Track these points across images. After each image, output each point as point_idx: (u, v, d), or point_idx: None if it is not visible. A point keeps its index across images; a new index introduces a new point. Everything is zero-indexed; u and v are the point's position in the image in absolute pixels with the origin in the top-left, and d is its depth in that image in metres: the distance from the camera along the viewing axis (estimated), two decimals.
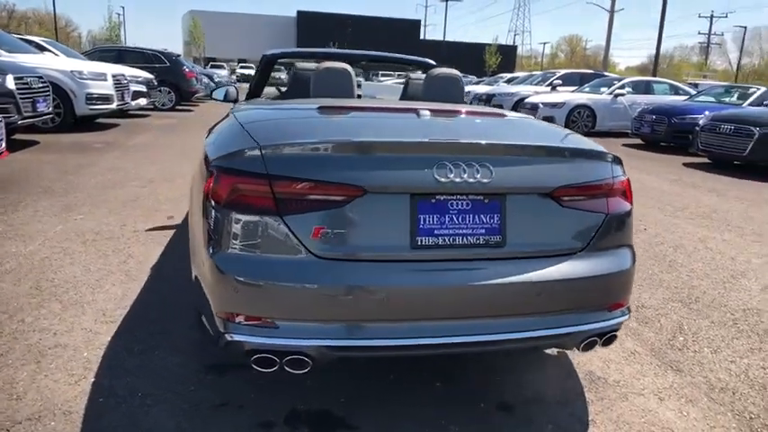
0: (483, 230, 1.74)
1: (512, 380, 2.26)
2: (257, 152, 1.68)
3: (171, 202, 4.74)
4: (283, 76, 11.23)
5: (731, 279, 3.56)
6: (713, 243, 4.38)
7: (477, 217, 1.74)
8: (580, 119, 12.44)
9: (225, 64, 40.46)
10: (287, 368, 1.69)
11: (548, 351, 2.46)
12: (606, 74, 17.39)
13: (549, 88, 14.72)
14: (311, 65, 3.29)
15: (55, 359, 2.23)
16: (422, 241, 1.70)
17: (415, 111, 2.15)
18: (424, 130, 1.96)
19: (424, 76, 3.42)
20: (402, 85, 3.85)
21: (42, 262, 3.25)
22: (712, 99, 11.24)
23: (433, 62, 4.02)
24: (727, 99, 10.94)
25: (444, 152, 1.71)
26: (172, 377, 2.14)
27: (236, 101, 3.98)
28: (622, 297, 1.94)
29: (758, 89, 10.48)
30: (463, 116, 2.31)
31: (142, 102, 11.12)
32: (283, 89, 4.27)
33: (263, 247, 1.67)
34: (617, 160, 1.98)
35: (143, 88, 11.16)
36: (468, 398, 2.11)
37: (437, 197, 1.71)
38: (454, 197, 1.72)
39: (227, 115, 2.46)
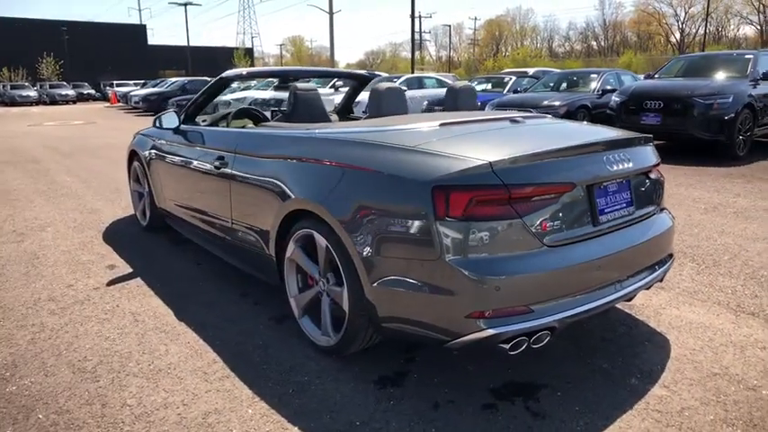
0: (624, 204, 2.30)
1: (591, 325, 2.84)
2: (488, 168, 1.93)
3: (83, 251, 4.08)
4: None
5: None
6: None
7: (620, 195, 2.28)
8: None
9: None
10: (533, 345, 2.00)
11: None
12: (378, 73, 19.11)
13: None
14: (311, 85, 3.31)
15: (227, 423, 2.05)
16: (600, 219, 2.17)
17: (510, 119, 2.57)
18: (555, 133, 2.41)
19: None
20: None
21: (36, 345, 2.67)
22: (477, 89, 13.51)
23: (368, 74, 4.34)
24: (487, 87, 13.29)
25: (612, 147, 2.21)
26: (363, 399, 2.19)
27: (177, 127, 3.75)
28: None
29: (511, 78, 13.03)
30: (547, 120, 2.79)
31: None
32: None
33: (509, 247, 1.94)
34: None
35: None
36: (579, 341, 2.64)
37: (604, 184, 2.20)
38: (610, 182, 2.23)
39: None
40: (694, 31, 66.48)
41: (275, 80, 16.84)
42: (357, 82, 4.40)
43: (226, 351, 2.60)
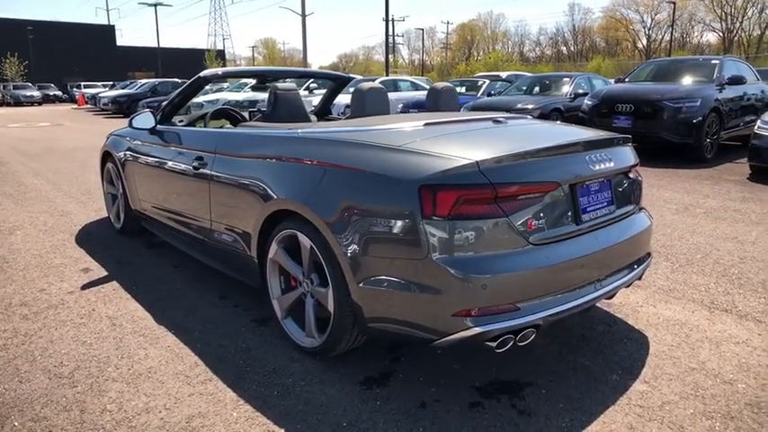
0: (606, 203, 2.34)
1: (571, 324, 2.87)
2: (475, 167, 1.94)
3: (55, 254, 3.96)
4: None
5: None
6: None
7: (602, 194, 2.33)
8: None
9: None
10: (518, 342, 2.02)
11: None
12: (352, 75, 19.10)
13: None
14: (291, 85, 3.29)
15: (211, 427, 2.02)
16: (582, 218, 2.21)
17: (492, 119, 2.60)
18: (538, 134, 2.44)
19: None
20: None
21: (8, 351, 2.58)
22: None
23: (350, 76, 4.34)
24: (462, 90, 13.38)
25: (593, 147, 2.25)
26: (349, 400, 2.18)
27: (153, 128, 3.68)
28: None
29: (485, 82, 13.16)
30: (528, 121, 2.83)
31: None
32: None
33: (495, 245, 1.96)
34: None
35: None
36: (559, 339, 2.68)
37: (586, 183, 2.23)
38: (592, 181, 2.27)
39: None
40: (660, 37, 68.35)
41: (249, 82, 16.76)
42: (335, 83, 4.39)
43: (207, 354, 2.56)
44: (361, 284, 2.12)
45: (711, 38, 67.02)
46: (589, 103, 8.75)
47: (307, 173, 2.36)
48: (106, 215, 4.88)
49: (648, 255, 2.66)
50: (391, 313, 2.10)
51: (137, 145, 3.93)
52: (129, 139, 4.07)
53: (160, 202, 3.68)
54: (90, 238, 4.46)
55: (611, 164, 2.34)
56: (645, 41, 70.45)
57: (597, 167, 2.26)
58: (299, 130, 2.59)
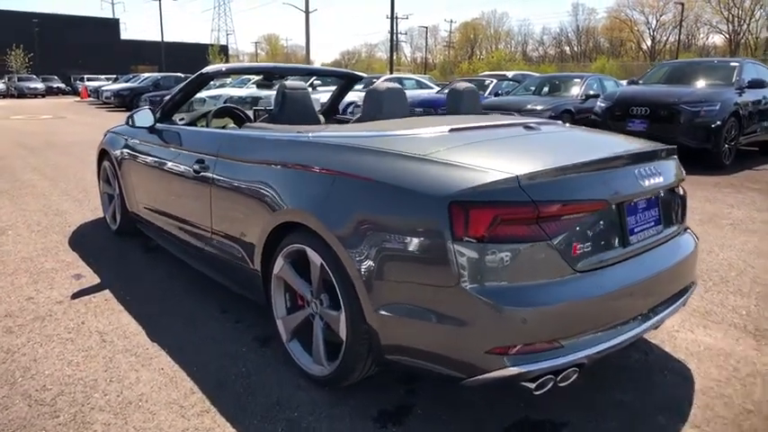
0: (653, 222, 2.09)
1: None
2: (515, 182, 1.69)
3: (46, 258, 3.72)
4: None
5: None
6: None
7: (649, 212, 2.08)
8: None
9: None
10: (559, 383, 1.77)
11: None
12: (362, 74, 18.82)
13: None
14: (300, 83, 3.04)
15: None
16: (630, 240, 1.96)
17: (523, 125, 2.35)
18: (577, 143, 2.19)
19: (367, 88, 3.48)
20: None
21: None
22: None
23: (361, 75, 4.10)
24: None
25: (641, 160, 2.00)
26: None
27: (152, 126, 3.44)
28: None
29: (492, 81, 12.88)
30: (563, 128, 2.57)
31: None
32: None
33: (536, 273, 1.71)
34: None
35: None
36: (593, 370, 2.43)
37: (634, 200, 1.98)
38: (640, 198, 2.02)
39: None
40: (665, 38, 67.91)
41: (253, 77, 16.48)
42: (345, 81, 4.14)
43: (204, 379, 2.31)
44: (378, 311, 1.87)
45: (717, 40, 66.55)
46: (602, 105, 8.47)
47: (318, 182, 2.11)
48: (102, 215, 4.64)
49: (693, 282, 2.40)
50: (413, 344, 1.85)
51: (135, 144, 3.69)
52: (127, 138, 3.82)
53: (157, 206, 3.44)
54: (84, 240, 4.22)
55: (660, 179, 2.09)
56: (649, 43, 70.03)
57: (647, 183, 2.01)
58: (310, 134, 2.34)
